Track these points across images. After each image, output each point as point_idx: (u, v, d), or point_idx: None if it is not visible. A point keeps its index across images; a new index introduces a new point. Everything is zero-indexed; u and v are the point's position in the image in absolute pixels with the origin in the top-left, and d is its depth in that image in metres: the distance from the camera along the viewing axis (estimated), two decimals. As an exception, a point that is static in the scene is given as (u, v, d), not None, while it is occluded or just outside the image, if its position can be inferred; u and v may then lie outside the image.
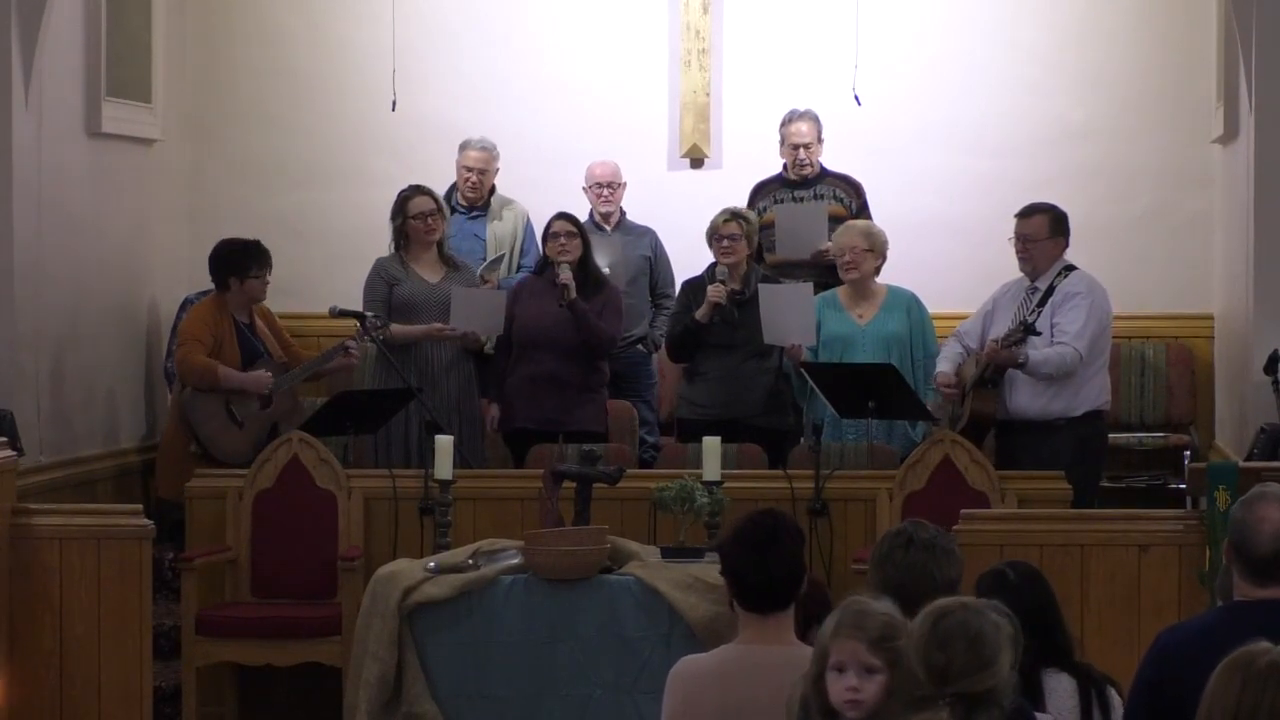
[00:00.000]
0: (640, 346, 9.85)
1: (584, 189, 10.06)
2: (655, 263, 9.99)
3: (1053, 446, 8.44)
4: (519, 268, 9.98)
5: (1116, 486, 9.74)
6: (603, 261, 9.39)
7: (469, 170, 10.01)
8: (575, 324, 8.99)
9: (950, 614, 3.62)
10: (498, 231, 10.00)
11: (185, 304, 9.89)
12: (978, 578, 4.84)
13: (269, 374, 9.00)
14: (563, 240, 9.09)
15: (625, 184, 10.09)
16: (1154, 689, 4.38)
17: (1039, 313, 8.58)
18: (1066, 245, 8.77)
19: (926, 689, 3.57)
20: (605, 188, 10.03)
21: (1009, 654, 3.62)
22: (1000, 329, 8.64)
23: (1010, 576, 4.85)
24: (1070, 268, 8.72)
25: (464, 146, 10.06)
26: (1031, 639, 4.73)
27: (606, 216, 10.01)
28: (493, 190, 10.08)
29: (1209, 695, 3.46)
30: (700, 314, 9.01)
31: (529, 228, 10.05)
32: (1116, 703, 4.64)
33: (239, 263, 9.09)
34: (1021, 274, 8.80)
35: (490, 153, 10.06)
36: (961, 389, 8.68)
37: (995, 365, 8.56)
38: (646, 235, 10.05)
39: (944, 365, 8.81)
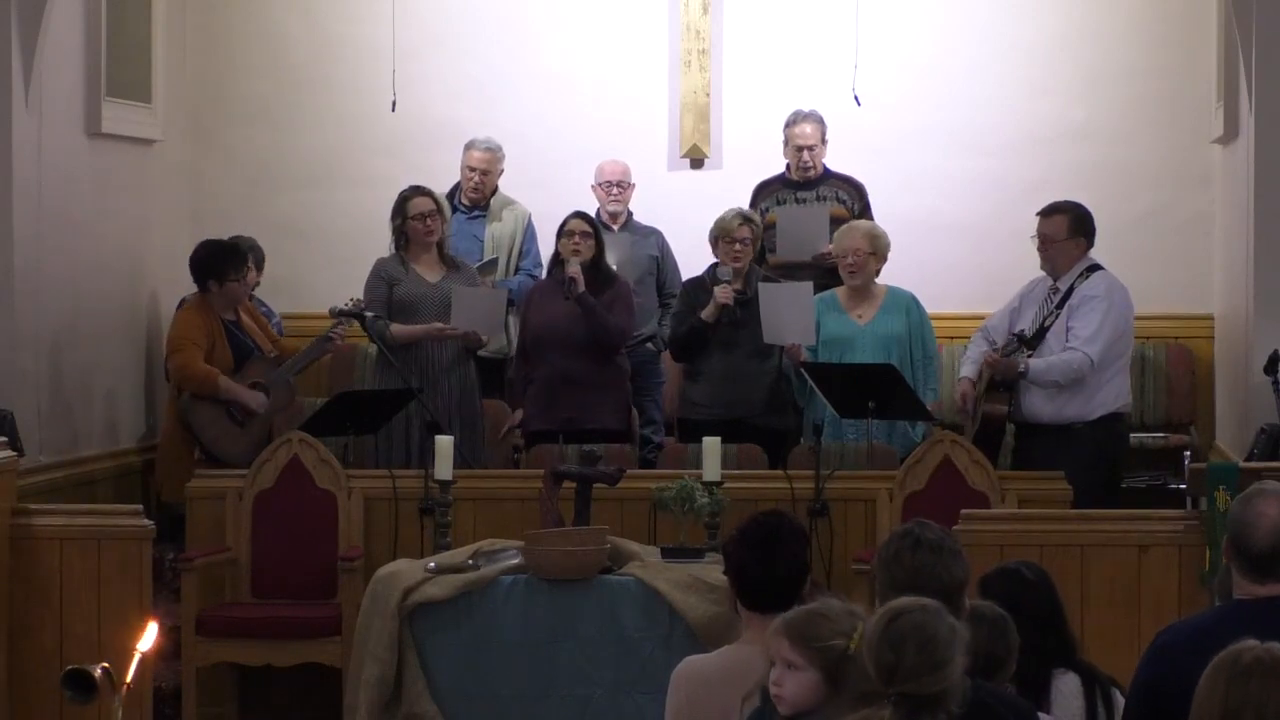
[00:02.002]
0: (649, 345, 9.82)
1: (593, 187, 10.06)
2: (662, 262, 9.98)
3: (1070, 451, 8.40)
4: (517, 269, 9.96)
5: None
6: (610, 261, 9.36)
7: (471, 170, 10.00)
8: (584, 318, 8.96)
9: (906, 614, 3.60)
10: (496, 233, 9.98)
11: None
12: (981, 577, 4.84)
13: (265, 397, 9.02)
14: (577, 239, 9.06)
15: (634, 185, 10.09)
16: (1152, 689, 4.36)
17: (1057, 314, 8.56)
18: (1089, 245, 8.71)
19: (875, 686, 3.56)
20: (615, 186, 10.01)
21: (962, 659, 3.58)
22: (1025, 325, 8.62)
23: (1028, 575, 4.87)
24: (1094, 268, 8.67)
25: (469, 146, 10.04)
26: (1044, 637, 4.77)
27: (614, 216, 9.98)
28: (495, 191, 10.07)
29: (1198, 695, 3.47)
30: (706, 314, 8.98)
31: (530, 229, 10.03)
32: (1120, 703, 4.65)
33: (216, 267, 9.10)
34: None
35: (494, 154, 10.03)
36: (976, 399, 8.67)
37: (1001, 375, 8.54)
38: (653, 235, 10.04)
39: (967, 369, 8.77)
